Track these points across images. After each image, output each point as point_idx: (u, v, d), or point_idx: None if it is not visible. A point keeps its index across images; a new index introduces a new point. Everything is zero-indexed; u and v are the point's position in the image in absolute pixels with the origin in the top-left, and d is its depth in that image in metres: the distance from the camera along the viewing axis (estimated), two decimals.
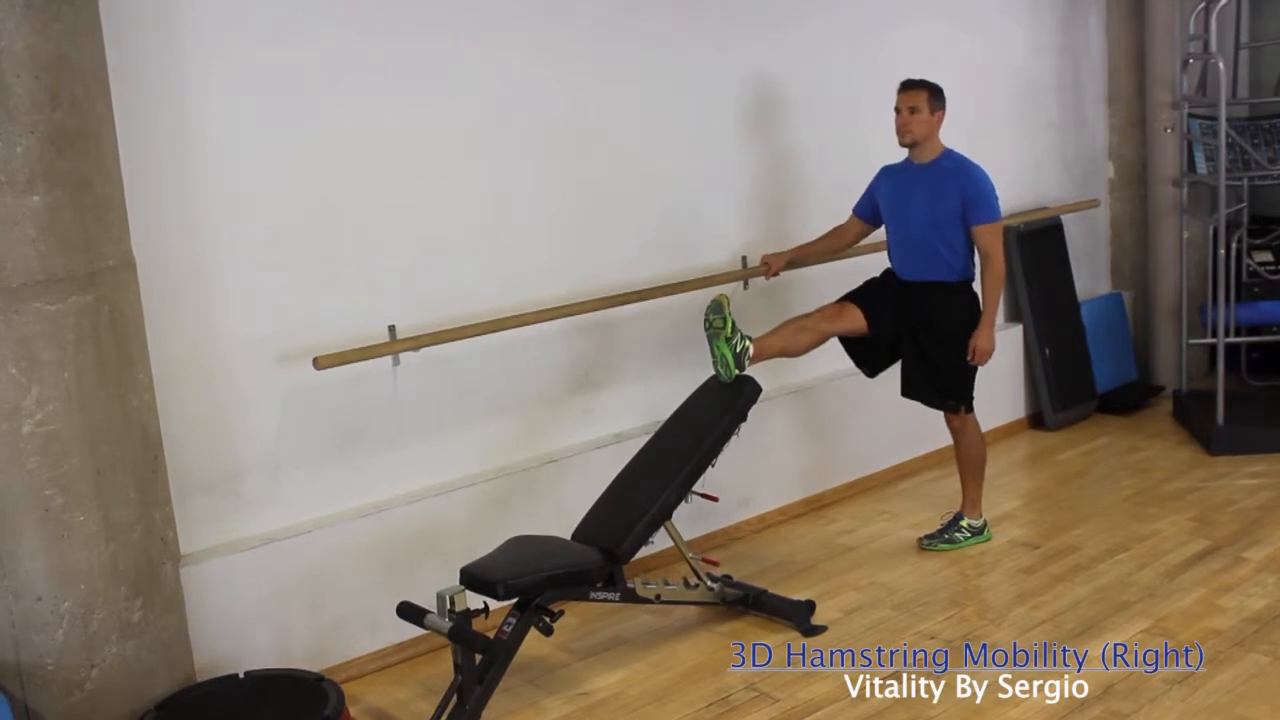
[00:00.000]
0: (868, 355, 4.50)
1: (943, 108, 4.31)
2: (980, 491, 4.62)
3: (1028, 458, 5.68)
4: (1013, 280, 5.93)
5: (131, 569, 3.14)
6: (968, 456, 4.58)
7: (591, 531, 3.79)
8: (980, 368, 4.41)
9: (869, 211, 4.56)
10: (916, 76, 4.31)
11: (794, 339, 4.31)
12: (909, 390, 4.55)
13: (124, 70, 3.24)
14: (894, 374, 4.56)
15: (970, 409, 4.48)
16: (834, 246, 4.67)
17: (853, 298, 4.44)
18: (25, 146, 2.85)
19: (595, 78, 4.34)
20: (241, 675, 3.30)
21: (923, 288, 4.37)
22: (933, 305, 4.37)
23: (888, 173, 4.50)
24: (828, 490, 5.15)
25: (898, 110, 4.31)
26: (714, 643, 3.93)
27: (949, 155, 4.35)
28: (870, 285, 4.50)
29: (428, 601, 3.41)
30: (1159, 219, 6.23)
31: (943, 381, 4.43)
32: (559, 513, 3.98)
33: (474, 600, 3.34)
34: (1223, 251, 5.47)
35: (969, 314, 4.34)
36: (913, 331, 4.41)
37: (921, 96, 4.26)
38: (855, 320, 4.37)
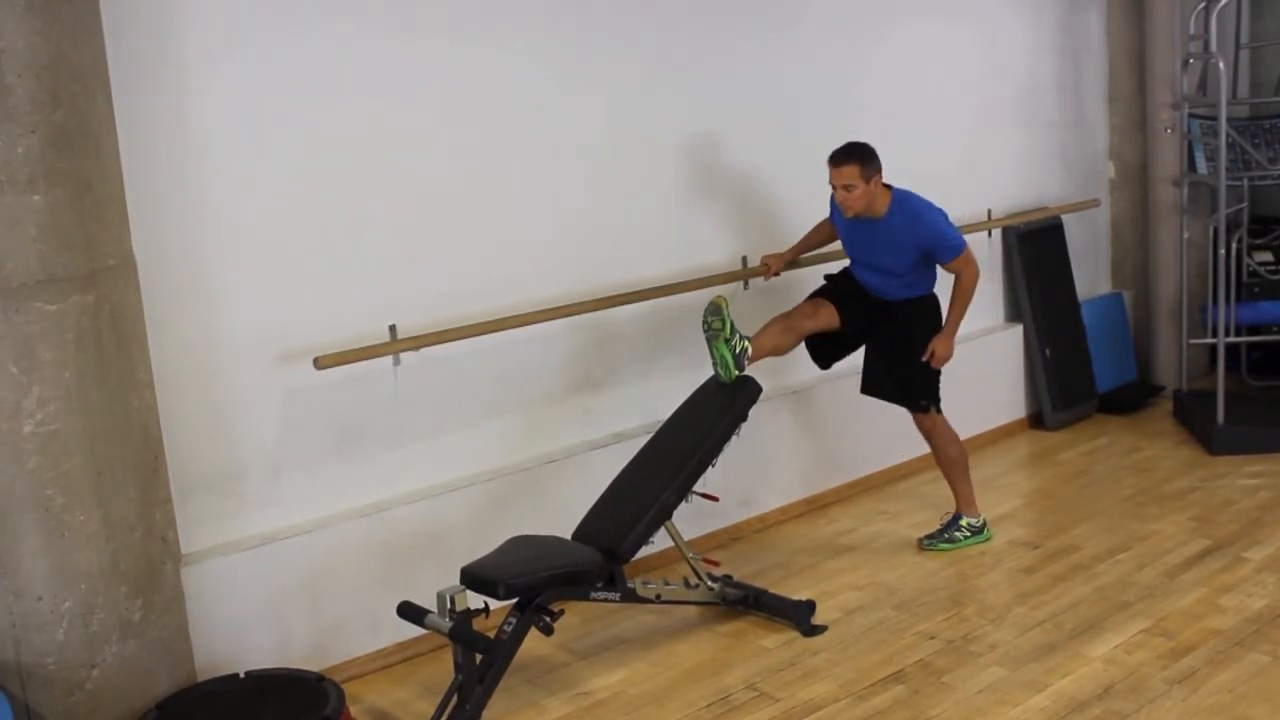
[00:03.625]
0: (827, 349, 4.52)
1: (878, 170, 4.13)
2: (971, 488, 4.62)
3: (1028, 458, 5.67)
4: (1013, 280, 5.94)
5: (132, 569, 3.14)
6: (945, 456, 4.59)
7: (592, 531, 3.79)
8: (949, 369, 4.43)
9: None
10: (840, 147, 4.14)
11: (780, 339, 4.33)
12: (870, 387, 4.59)
13: (124, 70, 3.24)
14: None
15: (939, 409, 4.49)
16: (826, 239, 4.68)
17: (825, 294, 4.46)
18: (26, 146, 2.85)
19: (596, 78, 4.34)
20: (242, 675, 3.30)
21: (892, 301, 4.41)
22: (902, 313, 4.40)
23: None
24: (828, 490, 5.15)
25: (833, 186, 4.18)
26: (714, 643, 3.93)
27: (896, 205, 4.21)
28: (839, 281, 4.51)
29: (428, 601, 3.41)
30: (1159, 219, 6.23)
31: (910, 382, 4.46)
32: (559, 513, 3.99)
33: (474, 600, 3.34)
34: (1223, 251, 5.47)
35: (938, 318, 4.39)
36: (881, 332, 4.44)
37: (852, 171, 4.09)
38: (831, 317, 4.40)
